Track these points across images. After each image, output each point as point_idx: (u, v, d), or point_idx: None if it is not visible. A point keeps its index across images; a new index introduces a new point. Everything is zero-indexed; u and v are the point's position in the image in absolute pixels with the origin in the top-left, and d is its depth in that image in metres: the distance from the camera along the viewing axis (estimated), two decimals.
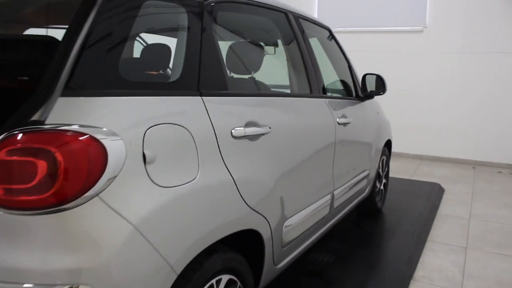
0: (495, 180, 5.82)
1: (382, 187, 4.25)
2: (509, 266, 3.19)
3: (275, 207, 2.02)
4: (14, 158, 1.16)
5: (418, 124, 6.92)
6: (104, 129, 1.26)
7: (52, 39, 1.53)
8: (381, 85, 3.44)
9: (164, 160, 1.43)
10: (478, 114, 6.59)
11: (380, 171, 4.09)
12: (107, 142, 1.24)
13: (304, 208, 2.37)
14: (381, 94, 3.49)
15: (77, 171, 1.19)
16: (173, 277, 1.43)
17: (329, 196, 2.73)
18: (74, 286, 1.19)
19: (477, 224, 4.07)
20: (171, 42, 1.93)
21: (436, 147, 6.92)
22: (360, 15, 7.39)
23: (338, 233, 3.69)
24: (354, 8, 7.44)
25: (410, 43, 7.03)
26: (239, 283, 1.81)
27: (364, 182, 3.54)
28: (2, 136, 1.18)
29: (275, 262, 2.13)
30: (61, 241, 1.20)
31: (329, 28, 3.29)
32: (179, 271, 1.45)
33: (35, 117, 1.21)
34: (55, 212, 1.18)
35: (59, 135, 1.18)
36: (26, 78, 1.95)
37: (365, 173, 3.52)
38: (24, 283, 1.18)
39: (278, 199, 2.04)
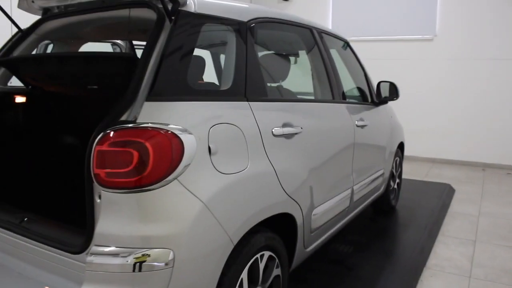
0: (503, 181, 6.08)
1: (395, 186, 4.55)
2: None
3: (306, 195, 2.35)
4: (115, 148, 1.52)
5: (429, 128, 7.21)
6: (180, 126, 1.61)
7: (132, 55, 1.89)
8: (394, 92, 3.76)
9: (224, 152, 1.77)
10: (487, 118, 6.87)
11: (394, 171, 4.40)
12: (183, 136, 1.59)
13: (329, 200, 2.69)
14: (395, 100, 3.81)
15: (162, 159, 1.53)
16: (231, 247, 1.76)
17: (349, 191, 3.05)
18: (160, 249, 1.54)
19: (485, 221, 4.36)
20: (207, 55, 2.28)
21: (447, 150, 7.20)
22: (372, 24, 7.72)
23: (356, 227, 4.00)
24: (366, 18, 7.77)
25: (421, 51, 7.35)
26: (277, 260, 2.14)
27: (380, 180, 3.85)
28: (103, 132, 1.53)
29: (305, 246, 2.46)
30: (150, 214, 1.54)
31: (346, 40, 3.63)
32: (235, 242, 1.78)
33: (129, 117, 1.57)
34: (146, 191, 1.53)
35: (148, 131, 1.53)
36: (95, 87, 2.32)
37: (380, 172, 3.83)
38: (125, 247, 1.52)
39: (309, 189, 2.38)
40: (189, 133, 1.63)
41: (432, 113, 7.20)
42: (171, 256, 1.54)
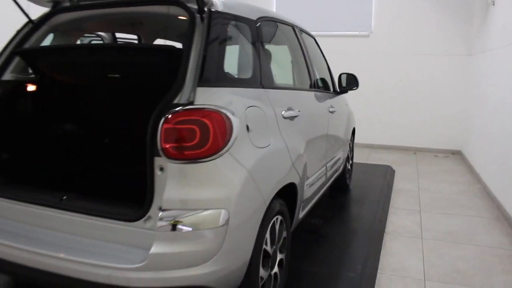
0: (433, 163, 6.93)
1: (349, 167, 5.11)
2: (453, 221, 4.15)
3: (303, 169, 2.75)
4: (181, 126, 1.80)
5: (367, 117, 7.91)
6: (228, 107, 1.93)
7: (173, 48, 2.15)
8: (354, 82, 4.26)
9: (255, 130, 2.11)
10: (417, 107, 7.72)
11: (349, 153, 4.95)
12: (231, 116, 1.91)
13: (314, 174, 3.12)
14: (354, 89, 4.32)
15: (219, 135, 1.84)
16: (264, 209, 2.11)
17: (324, 167, 3.50)
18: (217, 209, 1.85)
19: (425, 195, 5.05)
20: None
21: (383, 136, 7.98)
22: (314, 21, 8.27)
23: (320, 203, 4.49)
24: (308, 15, 8.31)
25: (359, 46, 8.03)
26: (284, 224, 2.52)
27: (340, 160, 4.36)
28: (169, 112, 1.80)
29: (299, 214, 2.86)
30: (209, 180, 1.85)
31: (314, 36, 4.07)
32: (267, 205, 2.14)
33: (183, 100, 1.86)
34: (206, 162, 1.82)
35: (208, 111, 1.83)
36: (117, 75, 2.53)
37: (341, 153, 4.34)
38: (189, 209, 1.81)
39: (304, 164, 2.78)
40: (234, 114, 1.95)
41: (369, 103, 7.91)
42: (227, 216, 1.84)
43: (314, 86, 3.44)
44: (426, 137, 7.74)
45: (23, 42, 2.55)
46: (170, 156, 1.80)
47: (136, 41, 3.96)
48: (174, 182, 1.82)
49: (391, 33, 7.82)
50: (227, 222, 1.85)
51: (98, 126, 3.07)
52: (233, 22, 2.30)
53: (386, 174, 5.90)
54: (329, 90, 4.11)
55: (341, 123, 4.24)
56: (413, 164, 6.81)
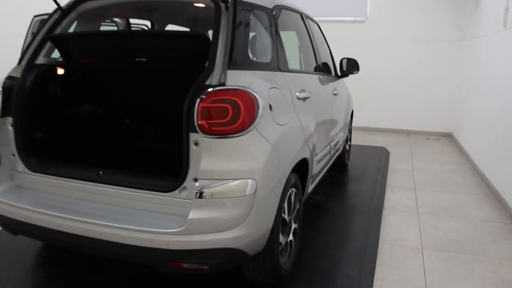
0: (426, 144, 7.23)
1: (348, 147, 5.36)
2: (446, 197, 4.44)
3: (313, 145, 2.98)
4: (215, 105, 2.00)
5: (361, 101, 8.15)
6: (255, 88, 2.14)
7: (203, 34, 2.34)
8: (354, 66, 4.48)
9: (276, 109, 2.33)
10: (410, 92, 7.98)
11: (348, 134, 5.19)
12: (258, 96, 2.12)
13: (321, 152, 3.36)
14: (355, 73, 4.54)
15: (248, 113, 2.04)
16: (285, 180, 2.34)
17: (329, 147, 3.74)
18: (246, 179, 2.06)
19: (419, 174, 5.33)
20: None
21: (377, 120, 8.25)
22: (310, 5, 8.41)
23: (321, 181, 4.74)
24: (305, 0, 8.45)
25: (354, 32, 8.24)
26: (298, 196, 2.75)
27: (341, 141, 4.60)
28: (204, 92, 2.00)
29: (308, 187, 3.10)
30: (240, 153, 2.05)
31: (317, 22, 4.27)
32: (286, 177, 2.36)
33: (215, 82, 2.06)
34: (237, 137, 2.03)
35: (239, 92, 2.03)
36: (144, 59, 2.72)
37: (342, 134, 4.58)
38: (223, 179, 2.02)
39: (315, 140, 3.01)
40: (259, 94, 2.16)
41: (364, 87, 8.13)
42: (255, 185, 2.06)
43: (319, 70, 3.65)
44: (418, 120, 8.04)
45: (54, 28, 2.72)
46: (205, 131, 2.00)
47: (147, 27, 4.12)
48: (209, 155, 2.03)
49: (386, 19, 8.03)
50: (255, 191, 2.06)
51: (122, 106, 3.26)
52: (253, 11, 2.50)
53: (382, 155, 6.17)
54: (332, 74, 4.33)
55: (343, 106, 4.48)
56: (406, 146, 7.09)
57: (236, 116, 2.01)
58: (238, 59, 2.19)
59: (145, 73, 2.90)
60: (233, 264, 2.29)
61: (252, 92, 2.09)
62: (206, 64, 2.25)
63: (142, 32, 2.65)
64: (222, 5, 2.27)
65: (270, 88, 2.33)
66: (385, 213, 3.95)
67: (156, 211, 2.18)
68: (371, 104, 8.18)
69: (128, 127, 3.31)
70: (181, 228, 1.99)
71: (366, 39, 8.16)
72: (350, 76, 4.56)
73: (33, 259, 2.96)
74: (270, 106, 2.26)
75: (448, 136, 7.80)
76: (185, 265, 2.10)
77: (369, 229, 3.54)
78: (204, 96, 2.01)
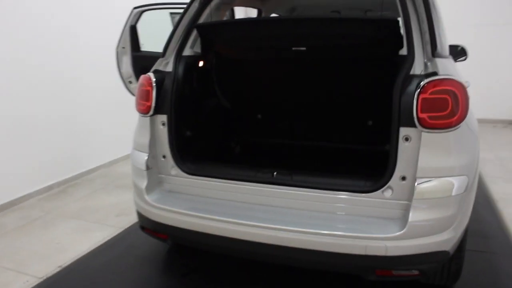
0: (495, 133, 7.06)
1: None
2: None
3: None
4: (436, 96, 1.84)
5: None
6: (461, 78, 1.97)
7: (395, 20, 2.18)
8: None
9: None
10: (473, 79, 7.73)
11: None
12: (467, 86, 1.96)
13: None
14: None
15: (464, 105, 1.87)
16: (478, 176, 2.18)
17: None
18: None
19: (508, 163, 5.17)
20: None
21: None
22: None
23: None
24: None
25: None
26: None
27: None
28: (425, 82, 1.84)
29: None
30: (455, 148, 1.89)
31: None
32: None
33: (427, 71, 1.91)
34: (453, 131, 1.87)
35: (456, 82, 1.87)
36: (303, 48, 2.56)
37: None
38: (439, 176, 1.87)
39: None
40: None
41: None
42: (467, 182, 1.92)
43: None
44: (483, 108, 7.77)
45: (197, 18, 2.55)
46: (425, 125, 1.85)
47: None
48: (427, 151, 1.88)
49: (449, 3, 7.76)
50: (467, 188, 1.93)
51: (282, 104, 3.08)
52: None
53: None
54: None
55: None
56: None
57: (455, 108, 1.86)
58: (439, 47, 2.03)
59: (303, 64, 2.74)
60: (440, 267, 2.15)
61: (463, 82, 1.94)
62: (401, 52, 2.11)
63: (316, 19, 2.46)
64: None
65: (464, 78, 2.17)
66: (500, 206, 3.80)
67: (353, 213, 2.04)
68: None
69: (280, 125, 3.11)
70: (401, 232, 1.86)
71: None
72: None
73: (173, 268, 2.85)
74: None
75: None
76: (394, 272, 1.97)
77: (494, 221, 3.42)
78: (424, 86, 1.85)
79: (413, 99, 1.86)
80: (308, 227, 1.95)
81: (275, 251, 2.00)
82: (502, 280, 2.61)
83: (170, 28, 2.56)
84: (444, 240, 1.91)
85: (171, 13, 4.42)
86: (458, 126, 1.88)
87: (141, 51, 3.69)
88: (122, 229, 3.40)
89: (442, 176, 1.89)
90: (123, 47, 3.68)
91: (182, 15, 2.59)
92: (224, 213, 2.12)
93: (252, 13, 3.96)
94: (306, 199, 2.10)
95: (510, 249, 2.97)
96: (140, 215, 2.40)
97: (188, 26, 2.53)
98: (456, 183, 1.89)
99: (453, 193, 1.89)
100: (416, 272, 1.97)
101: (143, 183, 2.31)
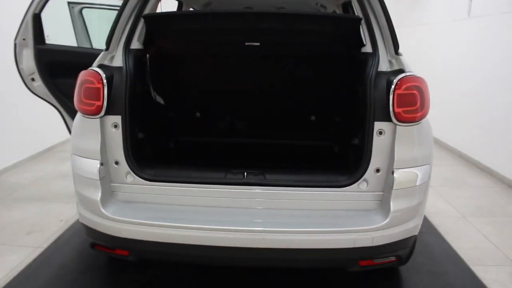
0: None
1: None
2: None
3: None
4: (408, 91, 1.93)
5: None
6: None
7: (357, 18, 2.21)
8: None
9: None
10: None
11: None
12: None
13: None
14: None
15: (427, 99, 2.00)
16: None
17: None
18: None
19: None
20: None
21: None
22: None
23: None
24: None
25: None
26: None
27: None
28: (397, 79, 1.92)
29: None
30: (421, 140, 2.02)
31: None
32: None
33: (393, 68, 2.01)
34: (420, 123, 1.99)
35: (420, 78, 1.98)
36: (257, 44, 2.48)
37: None
38: (412, 166, 1.97)
39: None
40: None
41: None
42: (430, 170, 2.07)
43: None
44: None
45: (143, 7, 2.32)
46: (400, 119, 1.94)
47: None
48: (401, 144, 1.98)
49: None
50: (429, 176, 2.08)
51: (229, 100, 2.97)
52: None
53: None
54: None
55: None
56: None
57: (422, 102, 1.98)
58: (397, 46, 2.14)
59: (254, 59, 2.65)
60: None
61: (424, 79, 2.07)
62: (364, 49, 2.19)
63: (277, 13, 2.39)
64: None
65: None
66: None
67: (332, 208, 2.07)
68: None
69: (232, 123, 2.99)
70: (384, 222, 1.94)
71: None
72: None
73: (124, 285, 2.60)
74: None
75: None
76: (375, 261, 2.04)
77: None
78: (397, 83, 1.94)
79: (389, 95, 1.94)
80: (293, 227, 1.94)
81: (261, 254, 1.95)
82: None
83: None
84: (415, 226, 2.06)
85: (69, 3, 3.94)
86: (424, 118, 2.02)
87: (47, 44, 3.22)
88: (42, 248, 2.95)
89: (413, 166, 2.01)
90: (24, 39, 3.16)
91: (124, 4, 2.31)
92: (196, 220, 1.97)
93: (167, 6, 3.73)
94: (283, 198, 2.06)
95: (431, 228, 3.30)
96: (91, 231, 2.11)
97: (135, 17, 2.28)
98: (422, 172, 2.02)
99: (421, 182, 2.02)
100: (393, 258, 2.08)
101: (97, 194, 2.03)
